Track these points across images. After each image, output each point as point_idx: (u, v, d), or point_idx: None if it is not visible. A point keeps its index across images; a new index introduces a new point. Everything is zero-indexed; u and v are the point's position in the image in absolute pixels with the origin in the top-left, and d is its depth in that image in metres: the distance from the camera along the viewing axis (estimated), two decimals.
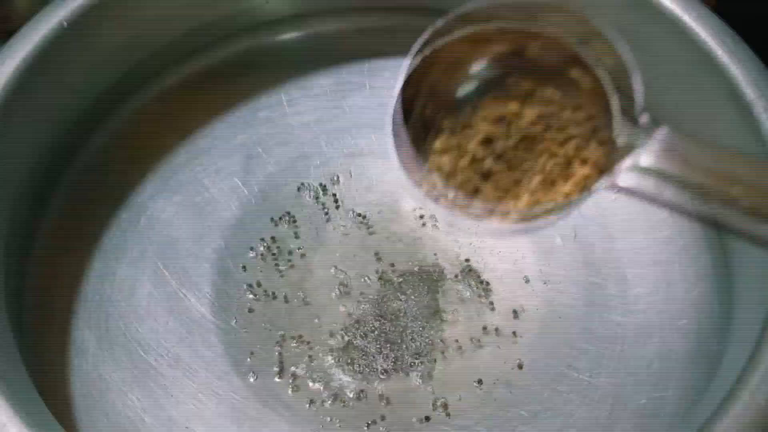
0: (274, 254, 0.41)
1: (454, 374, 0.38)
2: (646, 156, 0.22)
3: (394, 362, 0.38)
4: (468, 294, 0.40)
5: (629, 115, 0.22)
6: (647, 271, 0.41)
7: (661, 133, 0.22)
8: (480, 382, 0.38)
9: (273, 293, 0.40)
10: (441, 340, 0.39)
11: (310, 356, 0.38)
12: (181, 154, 0.45)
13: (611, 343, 0.39)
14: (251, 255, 0.41)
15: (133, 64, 0.44)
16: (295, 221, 0.43)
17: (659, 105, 0.43)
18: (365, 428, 0.37)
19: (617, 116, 0.23)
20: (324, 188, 0.44)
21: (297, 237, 0.42)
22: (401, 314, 0.39)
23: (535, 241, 0.42)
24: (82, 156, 0.43)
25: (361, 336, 0.39)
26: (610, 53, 0.22)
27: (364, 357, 0.38)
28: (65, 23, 0.39)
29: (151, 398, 0.37)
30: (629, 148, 0.22)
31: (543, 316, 0.40)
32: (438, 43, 0.24)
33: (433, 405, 0.37)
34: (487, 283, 0.41)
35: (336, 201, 0.43)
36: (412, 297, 0.40)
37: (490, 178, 0.23)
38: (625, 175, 0.22)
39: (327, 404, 0.37)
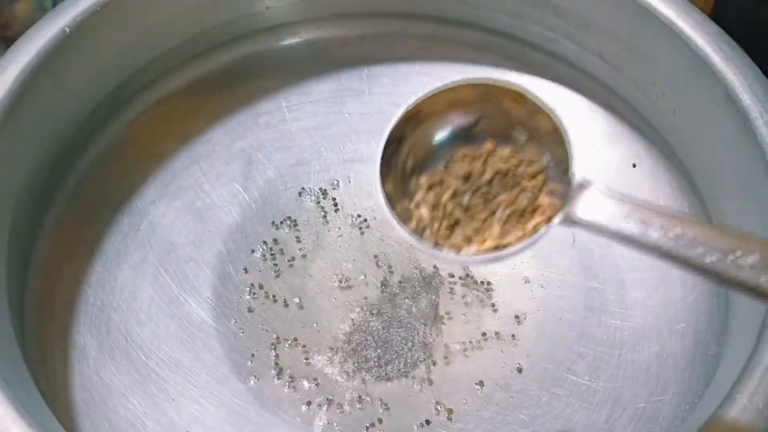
0: (274, 258, 0.42)
1: (453, 378, 0.38)
2: (576, 210, 0.26)
3: (393, 366, 0.38)
4: (466, 299, 0.41)
5: (566, 174, 0.27)
6: (645, 275, 0.41)
7: (588, 191, 0.26)
8: (479, 386, 0.38)
9: (273, 297, 0.40)
10: (440, 345, 0.39)
11: (309, 360, 0.38)
12: (182, 160, 0.45)
13: (610, 347, 0.39)
14: (252, 259, 0.42)
15: (134, 70, 0.45)
16: (296, 225, 0.43)
17: (656, 111, 0.43)
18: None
19: (558, 173, 0.28)
20: (324, 193, 0.44)
21: (297, 241, 0.42)
22: (400, 318, 0.40)
23: (534, 247, 0.42)
24: (83, 161, 0.43)
25: (360, 340, 0.39)
26: (551, 123, 0.27)
27: (363, 361, 0.38)
28: (67, 29, 0.39)
29: (153, 402, 0.37)
30: (565, 203, 0.26)
31: (542, 320, 0.40)
32: (415, 103, 0.29)
33: (434, 409, 0.37)
34: (486, 288, 0.41)
35: (336, 206, 0.44)
36: (412, 301, 0.40)
37: (458, 226, 0.28)
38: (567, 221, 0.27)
39: (326, 408, 0.37)
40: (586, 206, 0.26)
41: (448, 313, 0.40)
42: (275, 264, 0.41)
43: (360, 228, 0.43)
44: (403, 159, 0.30)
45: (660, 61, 0.41)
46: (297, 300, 0.40)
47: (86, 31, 0.40)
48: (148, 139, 0.45)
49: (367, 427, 0.37)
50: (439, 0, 0.48)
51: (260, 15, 0.48)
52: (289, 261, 0.42)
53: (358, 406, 0.37)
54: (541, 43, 0.47)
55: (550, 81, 0.47)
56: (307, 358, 0.39)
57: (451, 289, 0.41)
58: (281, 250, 0.42)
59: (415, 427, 0.37)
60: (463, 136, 0.29)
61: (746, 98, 0.37)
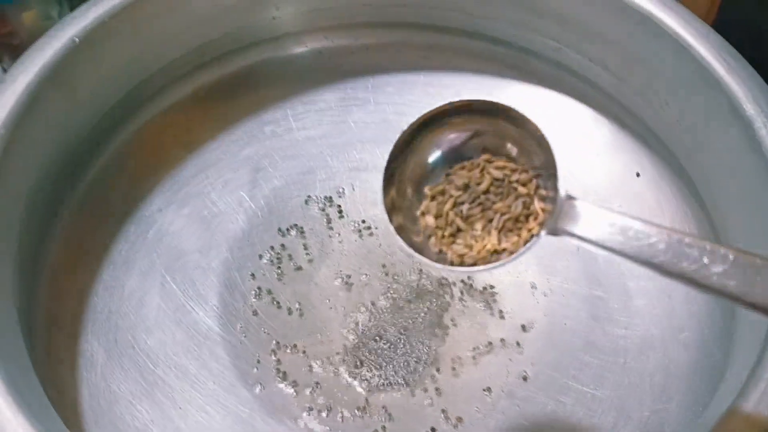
0: (280, 263, 0.42)
1: (458, 386, 0.38)
2: (561, 220, 0.28)
3: (398, 374, 0.38)
4: (471, 307, 0.41)
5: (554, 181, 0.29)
6: (649, 283, 0.41)
7: (572, 202, 0.28)
8: (485, 394, 0.38)
9: (278, 303, 0.41)
10: (444, 353, 0.39)
11: (315, 368, 0.39)
12: (189, 168, 0.45)
13: (614, 355, 0.39)
14: (259, 265, 0.42)
15: (142, 79, 0.45)
16: (302, 232, 0.43)
17: (660, 121, 0.43)
18: None
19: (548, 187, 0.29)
20: (330, 201, 0.44)
21: (304, 248, 0.43)
22: (405, 326, 0.40)
23: (538, 255, 0.42)
24: (91, 169, 0.44)
25: (365, 347, 0.39)
26: (537, 136, 0.29)
27: (368, 368, 0.39)
28: (76, 39, 0.39)
29: (160, 410, 0.37)
30: (554, 211, 0.28)
31: (546, 328, 0.40)
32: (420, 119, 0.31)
33: (438, 417, 0.37)
34: (491, 297, 0.41)
35: (341, 214, 0.44)
36: (416, 309, 0.40)
37: (459, 234, 0.30)
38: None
39: (330, 416, 0.37)
40: (569, 216, 0.28)
41: (452, 320, 0.40)
42: (281, 270, 0.42)
43: (365, 235, 0.43)
44: (409, 171, 0.31)
45: (664, 72, 0.41)
46: (302, 306, 0.41)
47: (95, 41, 0.40)
48: (155, 147, 0.46)
49: None
50: (444, 10, 0.48)
51: (267, 25, 0.49)
52: (294, 268, 0.42)
53: (361, 414, 0.37)
54: (545, 53, 0.47)
55: (554, 90, 0.48)
56: (311, 366, 0.39)
57: (456, 296, 0.41)
58: (289, 255, 0.42)
59: None
60: (461, 149, 0.31)
61: (750, 108, 0.37)
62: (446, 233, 0.30)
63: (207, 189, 0.44)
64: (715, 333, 0.39)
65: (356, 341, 0.39)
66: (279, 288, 0.41)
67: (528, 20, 0.46)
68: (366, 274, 0.42)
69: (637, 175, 0.45)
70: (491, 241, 0.30)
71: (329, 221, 0.44)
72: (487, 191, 0.30)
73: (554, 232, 0.28)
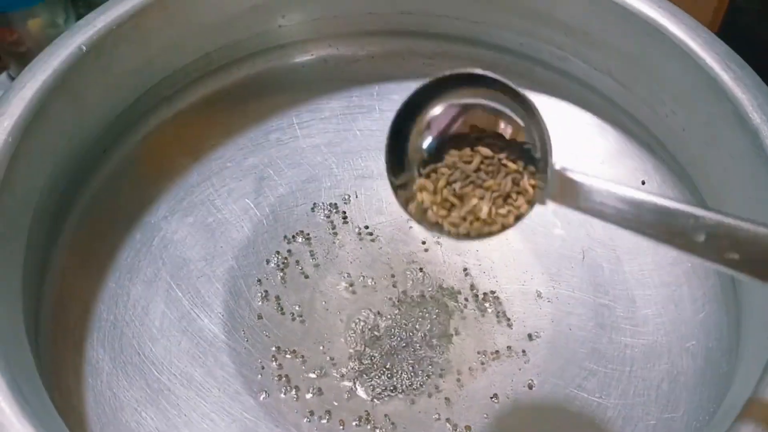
0: (285, 269, 0.42)
1: (463, 395, 0.38)
2: (553, 191, 0.29)
3: (402, 382, 0.38)
4: (476, 315, 0.41)
5: (545, 158, 0.30)
6: (655, 292, 0.41)
7: (563, 173, 0.29)
8: (490, 402, 0.38)
9: (283, 310, 0.41)
10: (450, 360, 0.39)
11: (319, 375, 0.39)
12: (194, 176, 0.45)
13: (620, 364, 0.39)
14: (264, 272, 0.42)
15: (148, 87, 0.45)
16: (308, 240, 0.43)
17: (665, 129, 0.43)
18: None
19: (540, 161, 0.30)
20: (335, 209, 0.44)
21: (309, 255, 0.43)
22: (410, 333, 0.40)
23: (544, 263, 0.42)
24: (96, 177, 0.44)
25: (369, 355, 0.39)
26: (528, 111, 0.30)
27: (372, 376, 0.38)
28: (84, 47, 0.39)
29: (165, 418, 0.37)
30: (544, 185, 0.30)
31: (552, 337, 0.40)
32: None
33: (443, 426, 0.37)
34: (496, 305, 0.41)
35: (347, 222, 0.44)
36: (421, 316, 0.40)
37: (454, 209, 0.31)
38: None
39: (334, 424, 0.37)
40: (562, 187, 0.29)
41: (457, 330, 0.40)
42: (286, 276, 0.42)
43: (370, 243, 0.43)
44: (409, 148, 0.32)
45: (669, 80, 0.41)
46: (306, 313, 0.41)
47: (102, 49, 0.40)
48: (161, 155, 0.46)
49: None
50: (449, 18, 0.49)
51: (272, 33, 0.49)
52: (299, 274, 0.42)
53: (364, 423, 0.37)
54: (551, 62, 0.47)
55: (560, 99, 0.48)
56: (314, 373, 0.39)
57: (461, 304, 0.41)
58: (297, 261, 0.42)
59: None
60: (452, 126, 0.32)
61: (756, 117, 0.37)
62: (441, 208, 0.31)
63: (212, 197, 0.45)
64: (722, 342, 0.39)
65: (360, 348, 0.39)
66: (284, 294, 0.41)
67: (533, 29, 0.46)
68: (371, 281, 0.42)
69: (642, 183, 0.45)
70: (482, 216, 0.31)
71: (334, 229, 0.44)
72: (477, 169, 0.31)
73: (544, 202, 0.29)
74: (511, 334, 0.40)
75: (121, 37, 0.41)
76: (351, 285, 0.42)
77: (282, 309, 0.41)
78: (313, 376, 0.39)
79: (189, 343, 0.39)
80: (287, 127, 0.48)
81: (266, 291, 0.41)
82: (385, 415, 0.37)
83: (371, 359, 0.39)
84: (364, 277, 0.42)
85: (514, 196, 0.31)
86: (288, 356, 0.39)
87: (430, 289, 0.41)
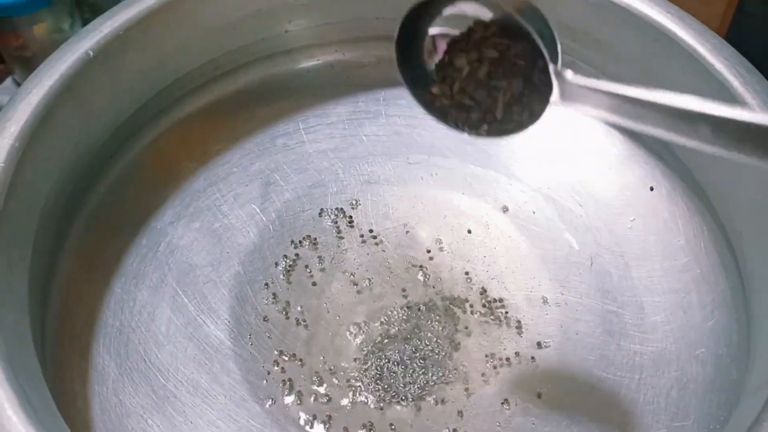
0: (291, 274, 0.42)
1: (470, 402, 0.38)
2: (565, 88, 0.29)
3: (407, 388, 0.38)
4: (484, 322, 0.40)
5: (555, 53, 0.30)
6: (664, 298, 0.41)
7: (571, 76, 0.29)
8: (498, 411, 0.38)
9: (289, 316, 0.40)
10: (456, 368, 0.39)
11: (324, 381, 0.38)
12: (200, 181, 0.45)
13: (629, 371, 0.39)
14: (270, 276, 0.42)
15: (155, 92, 0.45)
16: (315, 245, 0.43)
17: None
18: None
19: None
20: (342, 214, 0.44)
21: (316, 261, 0.42)
22: (417, 341, 0.40)
23: (552, 270, 0.42)
24: (103, 182, 0.44)
25: (375, 361, 0.39)
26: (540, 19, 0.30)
27: (379, 383, 0.38)
28: (90, 53, 0.39)
29: (171, 424, 0.37)
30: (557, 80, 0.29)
31: (561, 344, 0.40)
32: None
33: None
34: (504, 312, 0.41)
35: (353, 227, 0.44)
36: (428, 322, 0.40)
37: (471, 110, 0.32)
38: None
39: (342, 431, 0.37)
40: (572, 85, 0.29)
41: (464, 336, 0.40)
42: (292, 282, 0.42)
43: (376, 248, 0.43)
44: (419, 53, 0.33)
45: (678, 85, 0.41)
46: (313, 319, 0.40)
47: (109, 54, 0.40)
48: (167, 160, 0.46)
49: None
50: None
51: (279, 38, 0.49)
52: (306, 280, 0.42)
53: (371, 430, 0.37)
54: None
55: None
56: (320, 379, 0.38)
57: (469, 311, 0.41)
58: (306, 266, 0.42)
59: None
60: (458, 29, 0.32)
61: (765, 122, 0.36)
62: (459, 110, 0.32)
63: (218, 202, 0.44)
64: (732, 349, 0.38)
65: (366, 355, 0.39)
66: (290, 299, 0.41)
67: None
68: (377, 287, 0.42)
69: (651, 189, 0.44)
70: (499, 116, 0.31)
71: (340, 233, 0.44)
72: (488, 72, 0.32)
73: (558, 101, 0.29)
74: (520, 341, 0.40)
75: (128, 42, 0.41)
76: (358, 291, 0.41)
77: (288, 315, 0.41)
78: (317, 381, 0.38)
79: (195, 350, 0.39)
80: (293, 132, 0.48)
81: (272, 296, 0.41)
82: (390, 424, 0.37)
83: (377, 366, 0.39)
84: (370, 282, 0.42)
85: (527, 93, 0.31)
86: (295, 362, 0.39)
87: (436, 295, 0.41)
